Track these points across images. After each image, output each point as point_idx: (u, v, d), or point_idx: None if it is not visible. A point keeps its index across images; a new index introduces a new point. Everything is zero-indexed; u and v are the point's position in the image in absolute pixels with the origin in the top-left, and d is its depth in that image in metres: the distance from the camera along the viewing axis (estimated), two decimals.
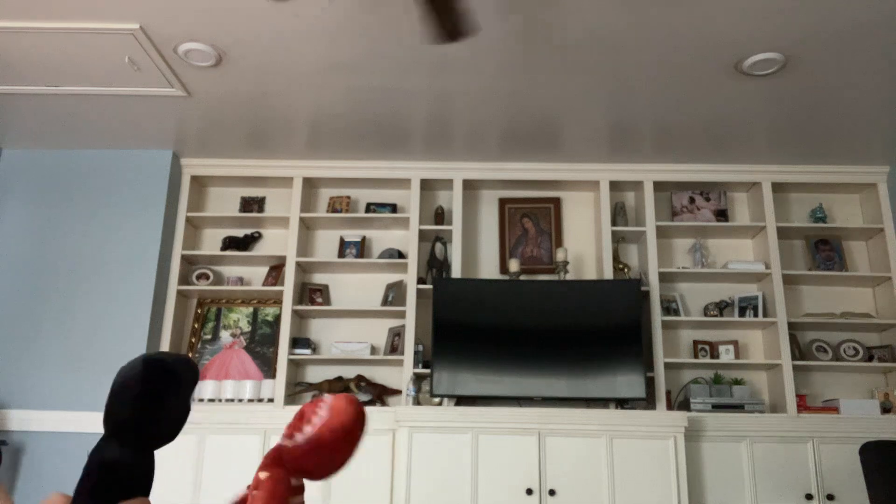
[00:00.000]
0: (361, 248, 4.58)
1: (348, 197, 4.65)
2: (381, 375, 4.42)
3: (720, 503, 3.90)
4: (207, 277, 4.53)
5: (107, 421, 0.81)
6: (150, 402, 0.81)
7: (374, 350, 4.43)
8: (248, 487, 1.16)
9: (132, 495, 0.78)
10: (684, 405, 4.17)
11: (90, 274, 4.27)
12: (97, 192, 4.42)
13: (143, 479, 0.81)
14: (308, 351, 4.33)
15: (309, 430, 1.15)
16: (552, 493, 3.70)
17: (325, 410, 1.19)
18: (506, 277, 4.45)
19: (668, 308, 4.40)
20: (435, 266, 4.48)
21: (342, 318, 4.56)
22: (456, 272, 4.39)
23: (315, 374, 4.46)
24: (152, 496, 4.03)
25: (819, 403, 4.26)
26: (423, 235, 4.53)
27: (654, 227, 4.45)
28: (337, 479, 3.89)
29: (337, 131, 4.19)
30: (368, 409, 4.08)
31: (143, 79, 3.62)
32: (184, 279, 4.48)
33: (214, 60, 3.45)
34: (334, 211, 4.60)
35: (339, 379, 4.32)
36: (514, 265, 4.34)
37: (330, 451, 1.14)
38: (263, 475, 1.11)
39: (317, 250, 4.69)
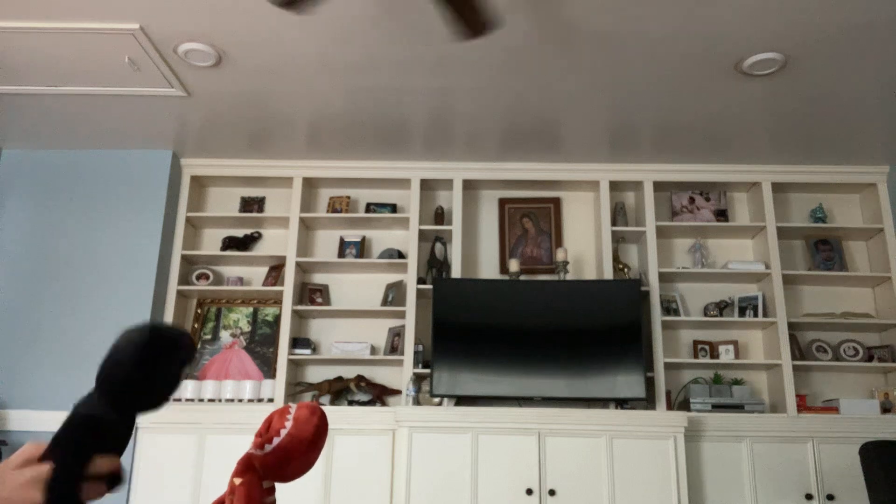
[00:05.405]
0: (361, 248, 4.58)
1: (348, 197, 4.65)
2: (381, 375, 4.42)
3: (720, 503, 3.90)
4: (207, 277, 4.53)
5: (102, 380, 0.85)
6: (149, 371, 0.86)
7: (374, 350, 4.43)
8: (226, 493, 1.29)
9: (108, 452, 0.82)
10: (684, 405, 4.17)
11: (90, 274, 4.26)
12: (97, 192, 4.42)
13: (121, 439, 0.85)
14: (308, 351, 4.33)
15: (276, 440, 1.33)
16: (552, 493, 3.70)
17: (291, 422, 1.36)
18: (506, 277, 4.45)
19: (668, 308, 4.40)
20: (435, 266, 4.48)
21: (342, 318, 4.55)
22: (456, 272, 4.38)
23: (315, 374, 4.45)
24: (152, 496, 4.00)
25: (819, 403, 4.26)
26: (423, 235, 4.53)
27: (654, 227, 4.44)
28: (337, 479, 3.90)
29: (337, 131, 4.18)
30: (368, 410, 4.08)
31: (143, 79, 3.62)
32: (184, 279, 4.48)
33: (214, 60, 3.45)
34: (334, 211, 4.60)
35: (339, 379, 4.32)
36: (514, 265, 4.33)
37: (296, 459, 1.32)
38: (238, 480, 1.25)
39: (317, 250, 4.69)
